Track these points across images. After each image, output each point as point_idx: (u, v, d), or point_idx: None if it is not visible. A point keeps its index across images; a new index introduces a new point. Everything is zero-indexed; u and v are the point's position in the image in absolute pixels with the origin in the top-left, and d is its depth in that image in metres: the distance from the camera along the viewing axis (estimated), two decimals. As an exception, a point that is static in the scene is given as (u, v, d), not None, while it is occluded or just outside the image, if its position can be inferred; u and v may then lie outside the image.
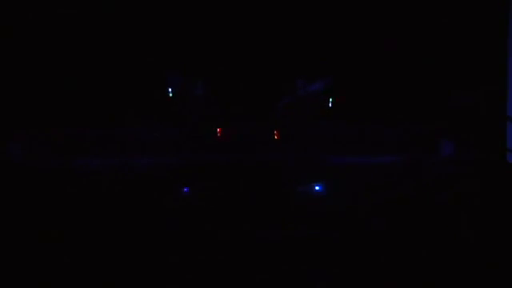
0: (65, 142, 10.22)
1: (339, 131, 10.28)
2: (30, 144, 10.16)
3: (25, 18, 10.33)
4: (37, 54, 10.39)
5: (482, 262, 8.24)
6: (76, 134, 10.32)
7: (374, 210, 8.70)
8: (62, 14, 10.39)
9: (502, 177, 9.67)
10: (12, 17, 10.27)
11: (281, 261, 8.51)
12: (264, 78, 10.53)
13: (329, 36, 10.43)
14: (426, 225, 8.99)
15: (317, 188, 9.50)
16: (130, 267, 8.02)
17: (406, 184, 9.49)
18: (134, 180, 9.55)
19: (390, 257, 8.17)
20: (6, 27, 10.29)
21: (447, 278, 7.78)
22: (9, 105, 10.24)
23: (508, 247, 8.46)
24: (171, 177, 9.63)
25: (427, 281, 7.72)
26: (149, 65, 10.58)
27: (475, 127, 10.08)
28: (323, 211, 8.87)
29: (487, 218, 8.95)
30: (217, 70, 10.54)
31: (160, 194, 9.32)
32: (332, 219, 8.68)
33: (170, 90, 10.15)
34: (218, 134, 10.20)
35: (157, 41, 10.56)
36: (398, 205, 9.17)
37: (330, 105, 10.22)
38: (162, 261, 8.06)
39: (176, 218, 8.79)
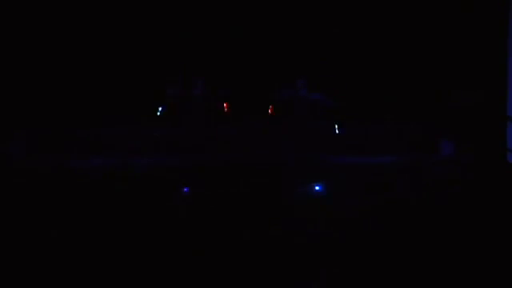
0: (65, 142, 10.22)
1: (340, 131, 10.29)
2: (30, 144, 10.16)
3: (28, 19, 10.35)
4: (37, 56, 10.40)
5: (482, 261, 8.25)
6: (76, 134, 10.32)
7: (374, 209, 8.70)
8: (61, 14, 10.40)
9: (502, 177, 9.68)
10: (17, 18, 10.30)
11: (281, 260, 8.52)
12: (263, 79, 10.53)
13: (329, 36, 10.44)
14: (426, 224, 8.99)
15: (317, 188, 9.51)
16: (129, 266, 8.03)
17: (407, 184, 9.50)
18: (134, 180, 9.56)
19: (390, 256, 8.18)
20: (9, 28, 10.32)
21: (447, 278, 7.78)
22: (9, 105, 10.24)
23: (508, 246, 8.47)
24: (171, 177, 9.63)
25: (427, 280, 7.72)
26: (149, 66, 10.59)
27: (475, 127, 10.09)
28: (323, 211, 8.86)
29: (487, 218, 8.96)
30: (216, 71, 10.55)
31: (160, 193, 9.31)
32: (332, 219, 8.68)
33: (160, 108, 10.10)
34: (225, 109, 10.21)
35: (156, 42, 10.57)
36: (398, 205, 9.17)
37: (337, 131, 10.23)
38: (161, 259, 8.06)
39: (176, 218, 8.79)
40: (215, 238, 8.69)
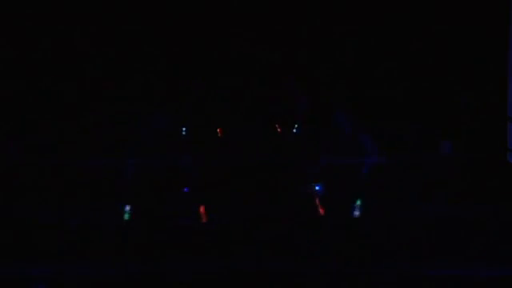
0: (65, 142, 10.22)
1: (340, 132, 10.29)
2: (31, 144, 10.16)
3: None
4: (39, 56, 10.39)
5: (482, 260, 8.26)
6: (77, 134, 10.31)
7: (374, 209, 8.70)
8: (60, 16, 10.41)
9: (502, 177, 9.70)
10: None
11: (281, 258, 8.53)
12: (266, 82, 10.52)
13: (330, 36, 10.44)
14: (426, 224, 9.00)
15: (317, 188, 9.51)
16: (130, 266, 8.02)
17: (407, 184, 9.51)
18: (135, 180, 9.55)
19: (390, 256, 8.19)
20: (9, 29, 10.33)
21: (446, 278, 7.80)
22: (11, 105, 10.24)
23: (508, 246, 8.48)
24: (173, 177, 9.62)
25: (427, 281, 7.74)
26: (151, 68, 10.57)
27: (475, 127, 10.11)
28: (323, 210, 8.87)
29: (487, 217, 8.97)
30: (219, 74, 10.54)
31: (162, 192, 9.31)
32: (332, 218, 8.69)
33: (183, 129, 9.98)
34: (219, 135, 10.20)
35: (157, 45, 10.57)
36: (399, 204, 9.18)
37: (295, 130, 10.17)
38: (162, 260, 8.06)
39: (178, 217, 8.78)
40: (216, 236, 8.71)
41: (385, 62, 10.41)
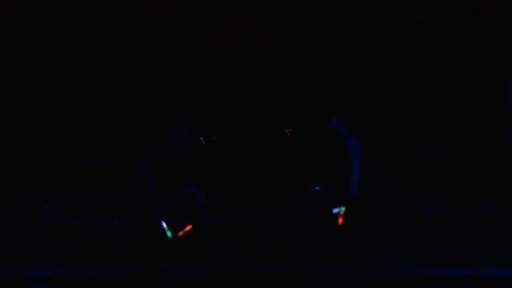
0: (66, 142, 10.23)
1: (335, 133, 10.29)
2: (34, 143, 10.17)
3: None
4: (41, 57, 10.42)
5: (483, 260, 8.28)
6: (78, 134, 10.32)
7: (374, 209, 8.72)
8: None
9: (503, 176, 9.71)
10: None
11: (281, 258, 8.55)
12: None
13: (331, 39, 10.46)
14: (426, 224, 9.01)
15: (317, 188, 9.52)
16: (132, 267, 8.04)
17: (407, 184, 9.53)
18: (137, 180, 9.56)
19: (389, 255, 8.21)
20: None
21: (446, 278, 7.82)
22: (12, 104, 10.25)
23: (509, 244, 8.50)
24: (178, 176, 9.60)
25: (427, 281, 7.76)
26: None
27: (476, 127, 10.12)
28: (323, 210, 8.88)
29: (488, 217, 8.99)
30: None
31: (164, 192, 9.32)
32: (333, 217, 8.70)
33: (201, 138, 9.85)
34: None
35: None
36: (399, 204, 9.20)
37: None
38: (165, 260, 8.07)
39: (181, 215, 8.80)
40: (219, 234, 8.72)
41: (384, 62, 10.42)
